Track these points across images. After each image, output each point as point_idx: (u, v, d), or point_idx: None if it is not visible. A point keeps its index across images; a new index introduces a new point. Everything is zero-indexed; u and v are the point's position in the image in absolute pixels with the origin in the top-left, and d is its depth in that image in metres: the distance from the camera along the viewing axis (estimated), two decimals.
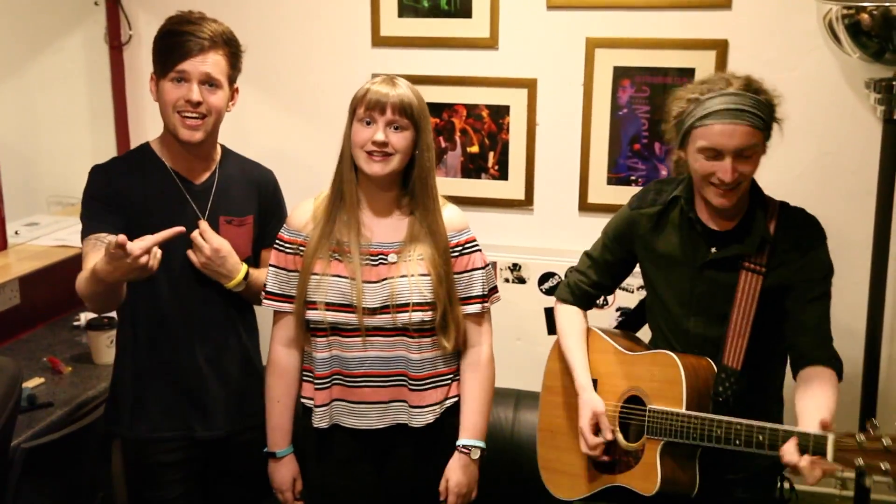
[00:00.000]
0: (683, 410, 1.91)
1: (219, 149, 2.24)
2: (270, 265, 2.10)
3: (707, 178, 1.89)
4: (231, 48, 2.10)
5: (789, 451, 1.71)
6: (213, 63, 2.05)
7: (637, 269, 2.20)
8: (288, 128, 3.15)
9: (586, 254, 2.25)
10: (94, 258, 1.97)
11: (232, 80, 2.14)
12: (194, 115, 2.05)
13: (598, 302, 2.35)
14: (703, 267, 1.99)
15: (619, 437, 2.05)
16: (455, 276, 2.06)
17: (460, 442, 2.09)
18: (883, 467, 1.62)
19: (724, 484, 2.01)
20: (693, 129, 1.88)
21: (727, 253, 1.97)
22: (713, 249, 1.98)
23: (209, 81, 2.06)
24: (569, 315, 2.24)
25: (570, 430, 2.16)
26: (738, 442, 1.81)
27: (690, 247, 2.01)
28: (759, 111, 1.84)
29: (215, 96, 2.07)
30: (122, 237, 1.78)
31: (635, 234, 2.12)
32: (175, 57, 2.03)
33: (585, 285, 2.23)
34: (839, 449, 1.66)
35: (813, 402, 1.83)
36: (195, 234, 2.12)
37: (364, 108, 1.95)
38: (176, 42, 2.03)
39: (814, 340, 1.93)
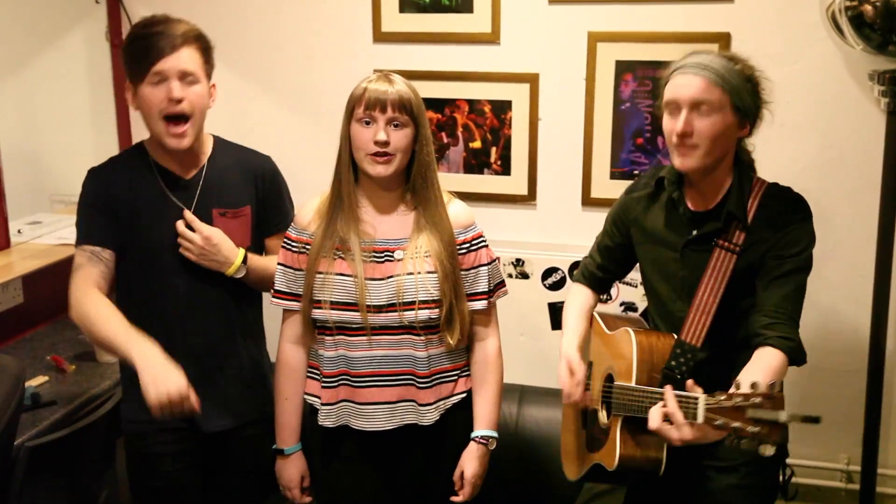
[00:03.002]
0: (632, 384, 1.92)
1: (210, 140, 2.23)
2: (279, 264, 2.10)
3: (669, 137, 1.92)
4: (202, 43, 2.11)
5: (651, 416, 1.76)
6: (187, 58, 2.05)
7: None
8: (290, 124, 3.15)
9: (595, 239, 2.30)
10: (91, 272, 2.08)
11: (208, 75, 2.14)
12: (178, 113, 2.04)
13: (607, 289, 2.38)
14: (684, 248, 2.00)
15: (601, 415, 2.07)
16: (462, 272, 2.06)
17: (477, 433, 2.11)
18: (734, 425, 1.61)
19: (718, 469, 2.00)
20: (664, 90, 1.93)
21: (703, 231, 1.97)
22: (694, 232, 1.99)
23: (187, 76, 2.06)
24: (575, 292, 2.29)
25: (573, 414, 2.23)
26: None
27: (674, 229, 2.03)
28: (725, 73, 1.85)
29: (195, 92, 2.07)
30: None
31: (629, 218, 2.14)
32: (150, 58, 2.02)
33: (593, 267, 2.27)
34: (708, 410, 1.67)
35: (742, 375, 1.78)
36: (180, 226, 2.10)
37: (363, 107, 1.95)
38: (148, 44, 2.03)
39: (767, 320, 1.86)
